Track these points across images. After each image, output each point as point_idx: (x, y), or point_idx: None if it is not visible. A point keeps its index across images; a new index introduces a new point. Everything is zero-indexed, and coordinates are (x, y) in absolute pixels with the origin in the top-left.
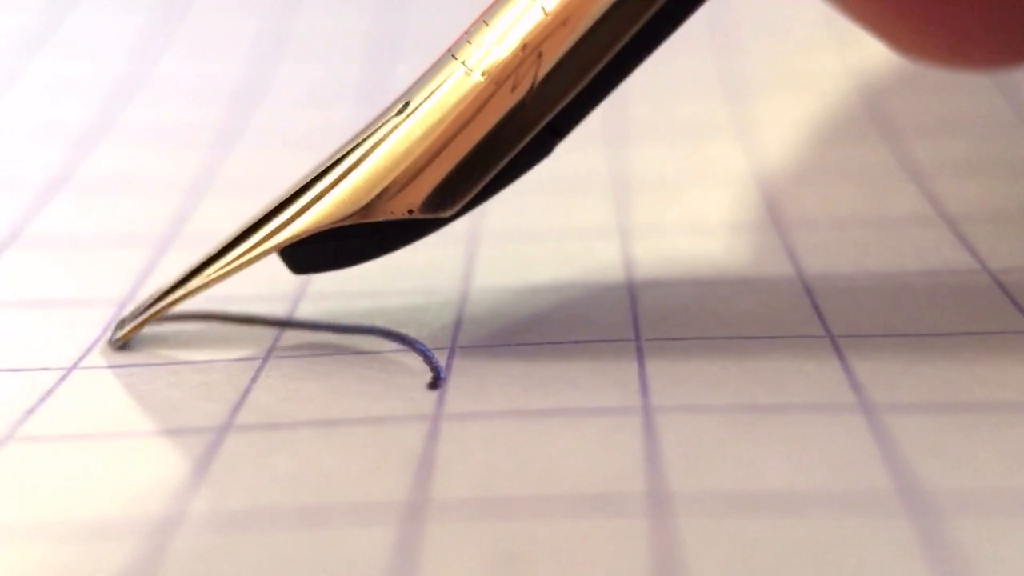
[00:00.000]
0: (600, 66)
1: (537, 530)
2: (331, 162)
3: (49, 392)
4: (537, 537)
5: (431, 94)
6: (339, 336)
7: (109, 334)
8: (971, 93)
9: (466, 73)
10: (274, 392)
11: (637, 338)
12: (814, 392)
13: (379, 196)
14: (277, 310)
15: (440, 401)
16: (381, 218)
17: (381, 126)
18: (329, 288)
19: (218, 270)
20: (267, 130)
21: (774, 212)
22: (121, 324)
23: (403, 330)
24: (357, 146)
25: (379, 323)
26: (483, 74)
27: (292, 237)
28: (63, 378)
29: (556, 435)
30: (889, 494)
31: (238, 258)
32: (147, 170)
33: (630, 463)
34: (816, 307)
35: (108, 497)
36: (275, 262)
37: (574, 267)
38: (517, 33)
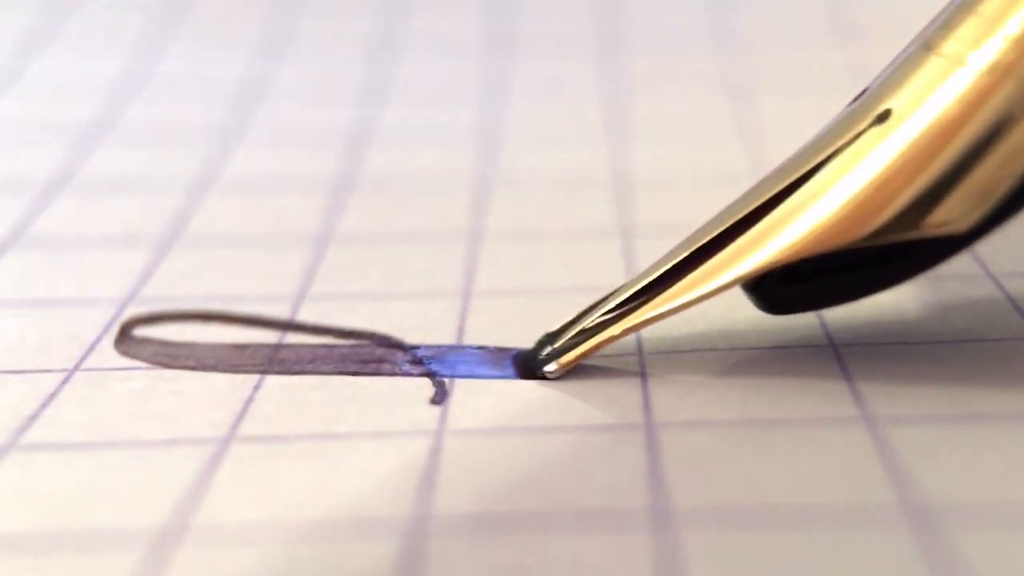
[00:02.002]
0: None
1: (540, 545)
2: (789, 181)
3: (51, 396)
4: (539, 552)
5: (919, 96)
6: (342, 342)
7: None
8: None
9: (956, 66)
10: (277, 402)
11: (639, 352)
12: (816, 405)
13: (878, 214)
14: (279, 311)
15: (443, 417)
16: (885, 240)
17: (856, 138)
18: (330, 289)
19: (666, 305)
20: (269, 129)
21: None
22: (546, 349)
23: (406, 334)
24: (823, 163)
25: (381, 326)
26: (990, 69)
27: (761, 267)
28: (65, 380)
29: (559, 450)
30: (891, 507)
31: (693, 287)
32: (149, 170)
33: (632, 477)
34: (819, 314)
35: (110, 507)
36: (280, 261)
37: (575, 268)
38: (1019, 20)
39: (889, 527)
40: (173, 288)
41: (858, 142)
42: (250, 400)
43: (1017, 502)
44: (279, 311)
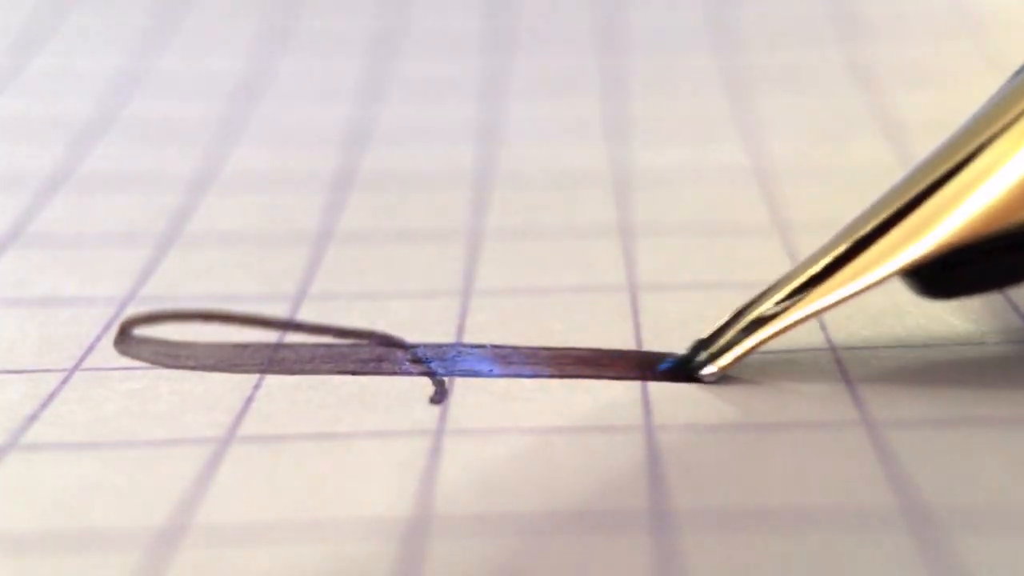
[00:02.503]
0: None
1: (539, 546)
2: (955, 162)
3: (51, 396)
4: (539, 553)
5: None
6: (341, 341)
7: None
8: (974, 91)
9: None
10: (277, 401)
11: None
12: (816, 409)
13: None
14: (279, 310)
15: (443, 416)
16: None
17: (1022, 115)
18: (331, 288)
19: (830, 292)
20: (269, 126)
21: (776, 211)
22: (701, 354)
23: (405, 333)
24: (988, 143)
25: (380, 325)
26: None
27: (931, 252)
28: (65, 380)
29: (558, 451)
30: (891, 510)
31: (857, 276)
32: (148, 167)
33: (632, 479)
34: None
35: (110, 507)
36: (279, 260)
37: (575, 266)
38: None
39: (888, 530)
40: (172, 286)
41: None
42: (250, 399)
43: (1016, 505)
44: (279, 310)
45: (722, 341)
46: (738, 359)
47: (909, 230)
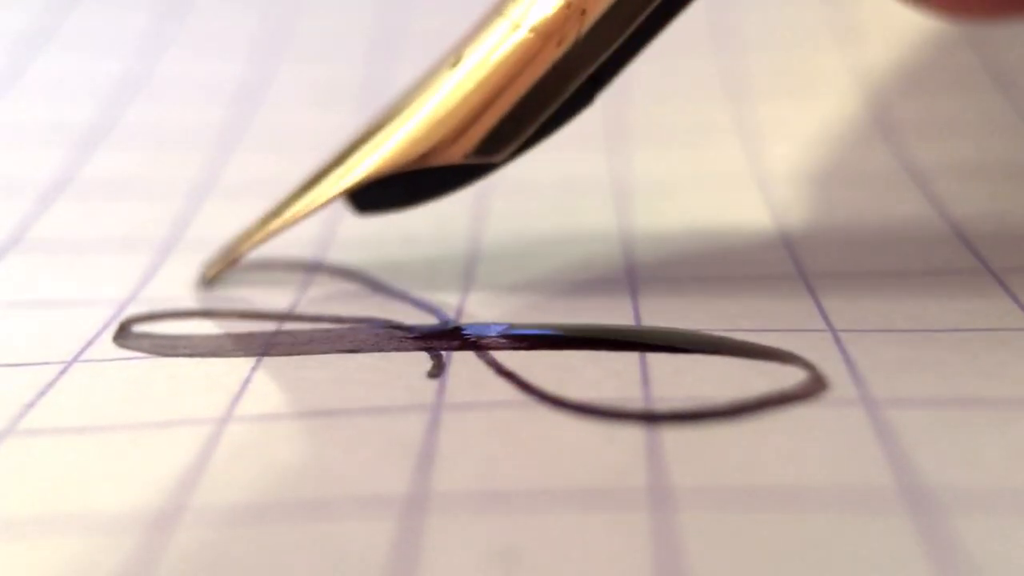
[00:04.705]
0: (639, 21)
1: (538, 524)
2: (390, 112)
3: (49, 385)
4: (538, 530)
5: (481, 48)
6: (339, 326)
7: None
8: (973, 94)
9: (513, 28)
10: (274, 382)
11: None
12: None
13: (436, 144)
14: (278, 304)
15: (441, 391)
16: (438, 163)
17: (434, 78)
18: (331, 287)
19: (293, 213)
20: (269, 132)
21: (776, 215)
22: (207, 267)
23: (404, 317)
24: (412, 97)
25: (379, 319)
26: (531, 30)
27: (358, 183)
28: (63, 371)
29: (558, 428)
30: (890, 490)
31: (312, 201)
32: (149, 172)
33: (631, 457)
34: (819, 306)
35: (108, 490)
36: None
37: (575, 269)
38: None
39: (887, 510)
40: (173, 292)
41: (433, 81)
42: (247, 381)
43: (1016, 486)
44: (279, 304)
45: (218, 252)
46: (226, 266)
47: (348, 166)
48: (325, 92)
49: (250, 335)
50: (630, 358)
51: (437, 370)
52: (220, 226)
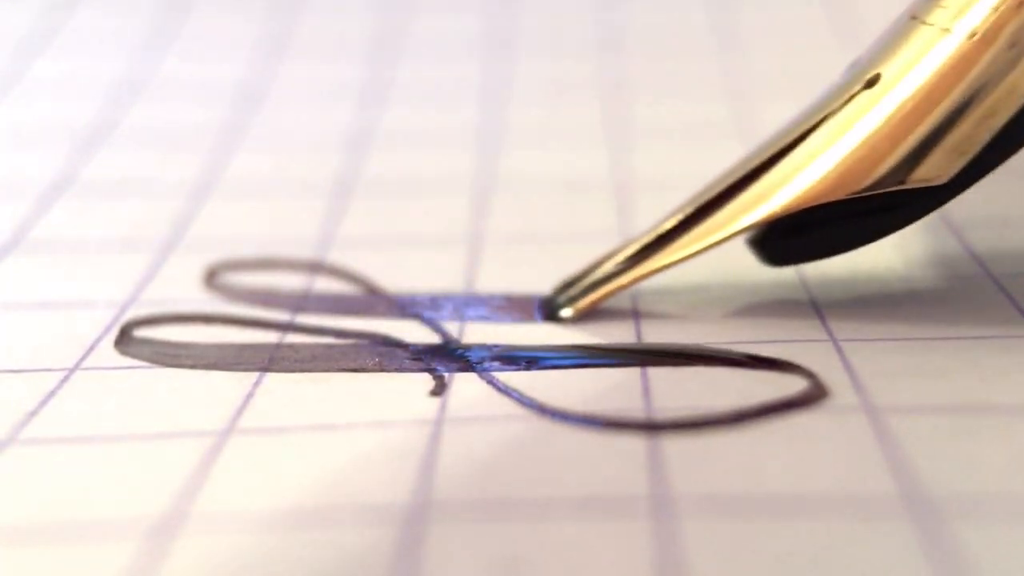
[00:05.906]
0: None
1: (539, 532)
2: (789, 141)
3: (51, 394)
4: (539, 539)
5: (907, 62)
6: (342, 341)
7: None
8: None
9: (943, 34)
10: (277, 396)
11: (639, 340)
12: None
13: (870, 170)
14: (280, 315)
15: (442, 406)
16: (873, 190)
17: (848, 102)
18: (331, 287)
19: (677, 251)
20: (270, 132)
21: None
22: (563, 295)
23: (405, 336)
24: (817, 125)
25: (380, 329)
26: (971, 35)
27: (764, 218)
28: (65, 379)
29: (559, 438)
30: (892, 497)
31: (701, 238)
32: (150, 173)
33: (633, 466)
34: (819, 312)
35: (111, 499)
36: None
37: (576, 270)
38: None
39: (888, 516)
40: (174, 292)
41: (851, 105)
42: (250, 395)
43: (1016, 493)
44: (280, 314)
45: (580, 287)
46: (592, 304)
47: (748, 199)
48: (325, 92)
49: (253, 347)
50: (631, 371)
51: (439, 389)
52: (220, 226)
